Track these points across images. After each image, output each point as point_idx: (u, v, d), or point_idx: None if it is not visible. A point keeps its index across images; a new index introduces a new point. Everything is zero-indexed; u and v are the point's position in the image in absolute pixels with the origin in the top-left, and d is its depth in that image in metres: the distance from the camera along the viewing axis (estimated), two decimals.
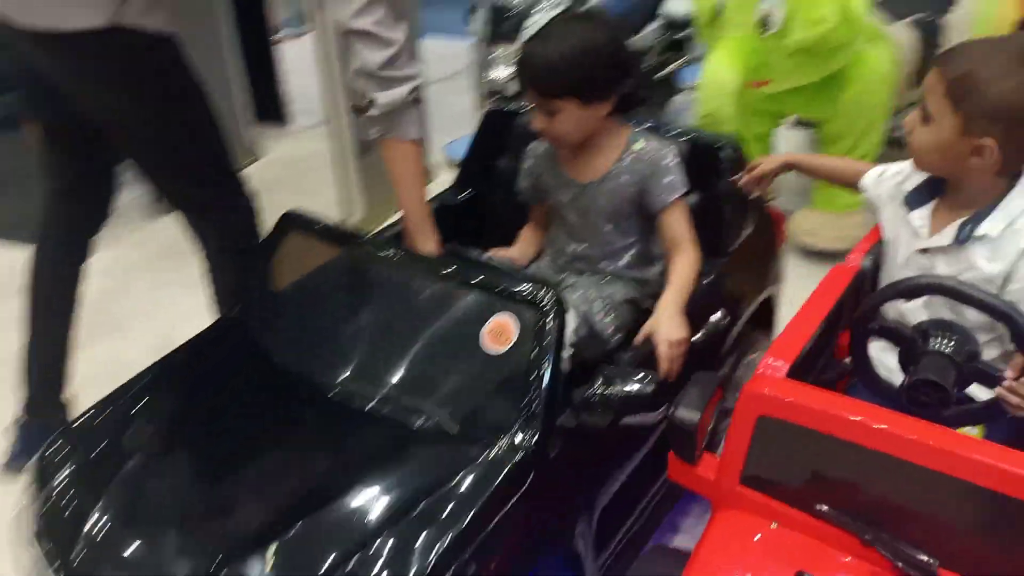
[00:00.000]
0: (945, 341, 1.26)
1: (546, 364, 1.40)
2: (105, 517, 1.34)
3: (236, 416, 1.54)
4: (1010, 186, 1.31)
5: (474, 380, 1.47)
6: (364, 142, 3.02)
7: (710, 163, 1.88)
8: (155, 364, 1.66)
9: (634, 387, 1.39)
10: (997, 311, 1.21)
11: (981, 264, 1.31)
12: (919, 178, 1.42)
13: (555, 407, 1.40)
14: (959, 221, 1.33)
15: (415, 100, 1.69)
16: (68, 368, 2.12)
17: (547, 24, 1.69)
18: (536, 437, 1.37)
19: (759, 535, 1.21)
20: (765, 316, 2.12)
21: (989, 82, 1.22)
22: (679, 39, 3.72)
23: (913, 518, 1.13)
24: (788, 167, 1.76)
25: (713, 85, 2.54)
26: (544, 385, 1.39)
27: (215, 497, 1.39)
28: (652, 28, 3.60)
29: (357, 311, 1.63)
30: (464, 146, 2.24)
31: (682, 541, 1.88)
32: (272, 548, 1.24)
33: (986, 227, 1.30)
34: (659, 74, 3.65)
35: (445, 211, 1.99)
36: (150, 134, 1.81)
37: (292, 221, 1.76)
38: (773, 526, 1.21)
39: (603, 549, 1.60)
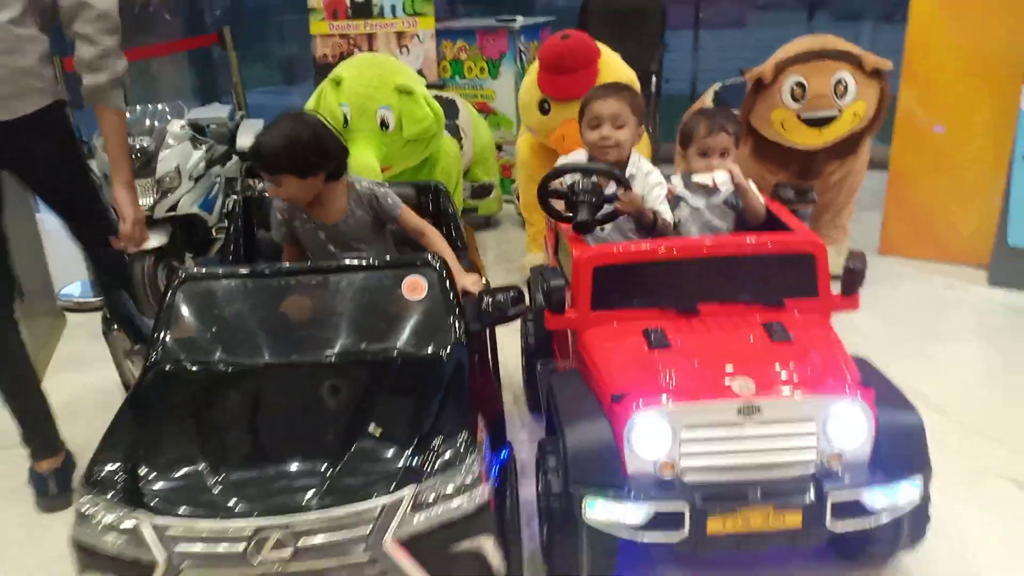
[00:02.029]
0: (583, 189, 2.30)
1: (453, 295, 2.16)
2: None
3: (235, 403, 1.93)
4: None
5: (408, 319, 2.13)
6: None
7: (433, 195, 2.83)
8: (127, 401, 1.91)
9: (508, 295, 2.24)
10: (601, 171, 2.33)
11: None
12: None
13: (466, 318, 2.16)
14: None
15: (117, 84, 2.35)
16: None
17: (273, 121, 2.39)
18: (466, 337, 2.11)
19: (612, 327, 2.15)
20: None
21: (636, 99, 2.44)
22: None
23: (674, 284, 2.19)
24: None
25: (364, 169, 3.45)
26: (459, 307, 2.15)
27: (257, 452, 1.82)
28: (233, 160, 4.33)
29: (272, 310, 2.14)
30: (79, 289, 2.85)
31: None
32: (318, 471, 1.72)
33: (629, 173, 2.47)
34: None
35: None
36: (79, 177, 2.51)
37: (189, 275, 2.15)
38: (615, 324, 2.17)
39: None
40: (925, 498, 1.99)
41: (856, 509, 1.87)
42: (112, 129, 2.42)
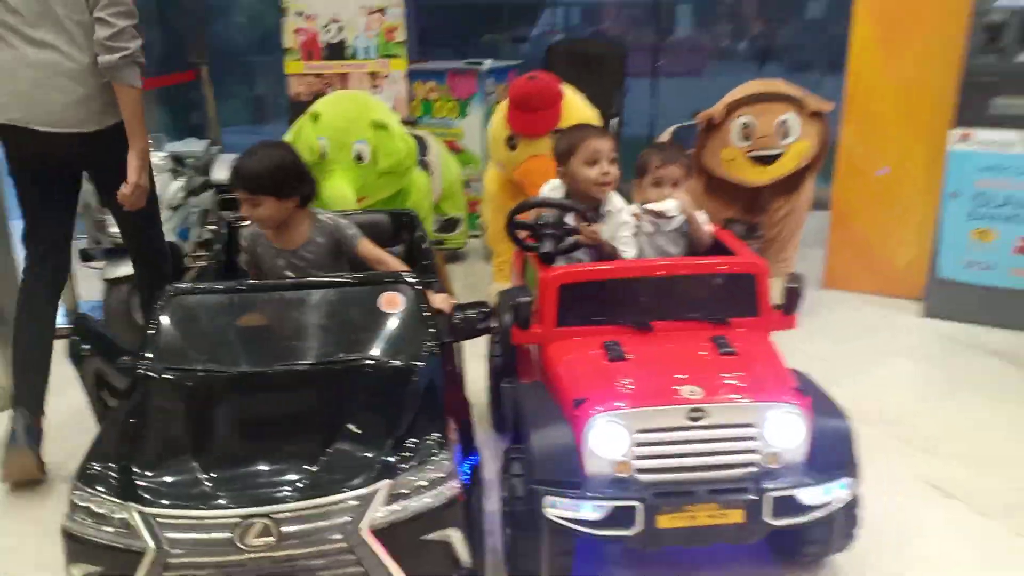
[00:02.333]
0: (546, 222, 2.50)
1: (426, 309, 2.33)
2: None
3: (221, 400, 2.08)
4: None
5: (384, 331, 2.29)
6: None
7: (407, 222, 3.01)
8: (119, 406, 2.04)
9: (478, 311, 2.41)
10: (557, 204, 2.56)
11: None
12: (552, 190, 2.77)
13: (438, 331, 2.33)
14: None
15: (129, 62, 2.72)
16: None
17: (252, 147, 2.59)
18: (436, 346, 2.28)
19: (574, 342, 2.33)
20: None
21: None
22: (232, 198, 4.69)
23: (630, 302, 2.39)
24: None
25: (340, 199, 3.62)
26: (431, 320, 2.32)
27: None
28: (207, 193, 4.48)
29: (269, 322, 2.29)
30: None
31: None
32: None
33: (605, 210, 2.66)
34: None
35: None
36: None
37: (176, 290, 2.29)
38: (577, 339, 2.35)
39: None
40: (855, 499, 2.19)
41: (792, 506, 2.06)
42: (128, 103, 2.77)
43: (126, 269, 3.72)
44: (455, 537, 1.91)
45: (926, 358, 3.73)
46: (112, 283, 3.72)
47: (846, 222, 4.40)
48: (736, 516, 2.05)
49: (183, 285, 2.33)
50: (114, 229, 3.72)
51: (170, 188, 3.90)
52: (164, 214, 3.85)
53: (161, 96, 6.30)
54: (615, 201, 2.68)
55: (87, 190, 3.77)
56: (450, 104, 5.40)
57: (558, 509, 2.04)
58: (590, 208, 2.59)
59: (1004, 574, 2.36)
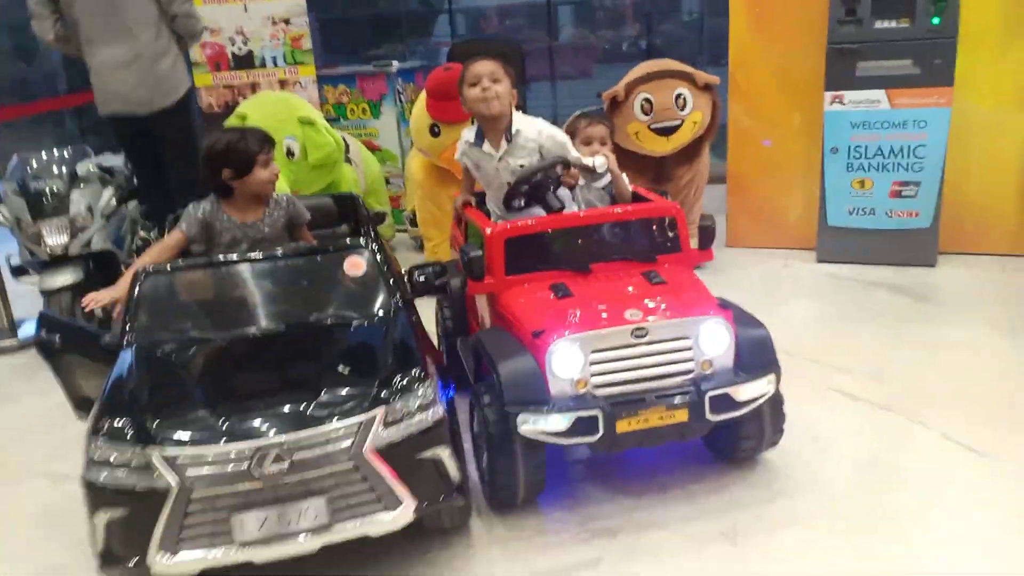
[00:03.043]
0: (539, 183, 2.77)
1: (388, 268, 2.56)
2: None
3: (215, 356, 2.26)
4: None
5: (352, 291, 2.50)
6: None
7: (350, 204, 3.23)
8: (113, 373, 2.19)
9: (433, 270, 2.65)
10: (545, 165, 2.79)
11: (527, 146, 2.87)
12: (470, 134, 2.98)
13: (402, 288, 2.56)
14: (502, 135, 2.88)
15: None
16: None
17: (227, 131, 2.83)
18: (400, 300, 2.51)
19: (524, 287, 2.60)
20: None
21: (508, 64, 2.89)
22: None
23: (569, 249, 2.68)
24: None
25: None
26: (394, 278, 2.54)
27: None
28: (132, 205, 4.53)
29: (239, 291, 2.46)
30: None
31: None
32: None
33: (515, 128, 2.87)
34: None
35: None
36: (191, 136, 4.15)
37: (148, 272, 2.44)
38: (525, 285, 2.62)
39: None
40: (779, 396, 2.54)
41: (728, 403, 2.38)
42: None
43: (64, 278, 3.77)
44: (444, 454, 2.14)
45: (824, 296, 4.18)
46: (52, 294, 3.75)
47: (741, 187, 4.84)
48: (682, 416, 2.36)
49: (161, 265, 2.47)
50: (50, 241, 3.78)
51: (103, 196, 3.96)
52: (98, 222, 3.92)
53: (72, 114, 6.25)
54: (524, 122, 2.90)
55: (19, 206, 3.83)
56: (363, 105, 5.60)
57: (530, 425, 2.30)
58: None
59: (905, 450, 2.77)
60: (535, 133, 2.87)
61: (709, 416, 2.37)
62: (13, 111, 6.23)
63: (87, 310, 2.54)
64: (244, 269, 2.48)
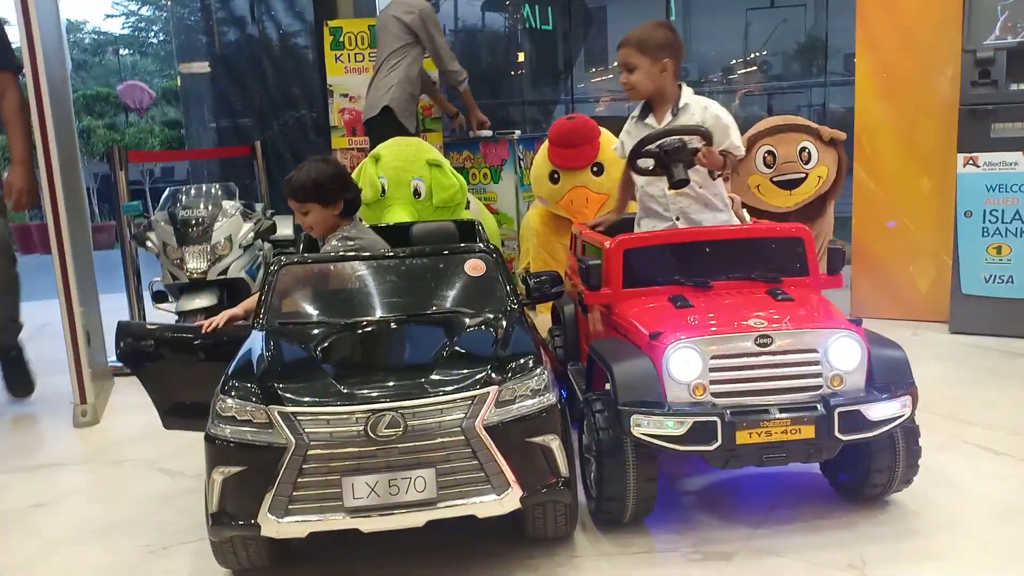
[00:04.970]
0: (672, 148, 2.65)
1: (505, 273, 2.59)
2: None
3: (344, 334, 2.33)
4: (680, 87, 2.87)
5: (472, 290, 2.54)
6: None
7: (469, 229, 3.32)
8: (245, 344, 2.28)
9: (549, 278, 2.67)
10: (679, 131, 2.68)
11: (690, 120, 2.78)
12: (637, 110, 2.95)
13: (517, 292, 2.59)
14: (668, 109, 2.84)
15: None
16: None
17: (303, 162, 2.93)
18: (517, 305, 2.53)
19: (641, 299, 2.56)
20: None
21: (651, 35, 2.78)
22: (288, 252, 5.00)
23: (689, 264, 2.63)
24: None
25: None
26: (509, 283, 2.57)
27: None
28: (266, 247, 4.79)
29: (366, 284, 2.54)
30: None
31: None
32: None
33: (683, 103, 2.82)
34: None
35: None
36: None
37: (288, 260, 2.56)
38: (643, 297, 2.59)
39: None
40: (915, 428, 2.37)
41: (859, 421, 2.24)
42: None
43: (200, 301, 3.99)
44: (554, 444, 2.09)
45: (958, 361, 3.92)
46: (186, 315, 3.97)
47: (866, 255, 4.68)
48: (808, 432, 2.22)
49: (293, 256, 2.60)
50: (191, 265, 4.03)
51: (242, 229, 4.22)
52: (235, 252, 4.16)
53: (222, 165, 6.78)
54: (687, 95, 2.82)
55: (167, 232, 4.12)
56: (484, 170, 5.80)
57: (644, 427, 2.22)
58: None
59: None
60: (701, 109, 2.80)
61: (838, 434, 2.22)
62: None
63: (204, 331, 2.61)
64: (371, 265, 2.57)
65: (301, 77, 7.97)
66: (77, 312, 3.47)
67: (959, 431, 3.04)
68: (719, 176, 2.81)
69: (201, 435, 2.08)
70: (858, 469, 2.45)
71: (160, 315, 4.33)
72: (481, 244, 2.71)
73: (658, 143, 2.67)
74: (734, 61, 10.52)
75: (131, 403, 3.89)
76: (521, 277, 2.82)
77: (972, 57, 4.12)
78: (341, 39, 5.96)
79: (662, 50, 2.76)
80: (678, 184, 2.66)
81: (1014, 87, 4.06)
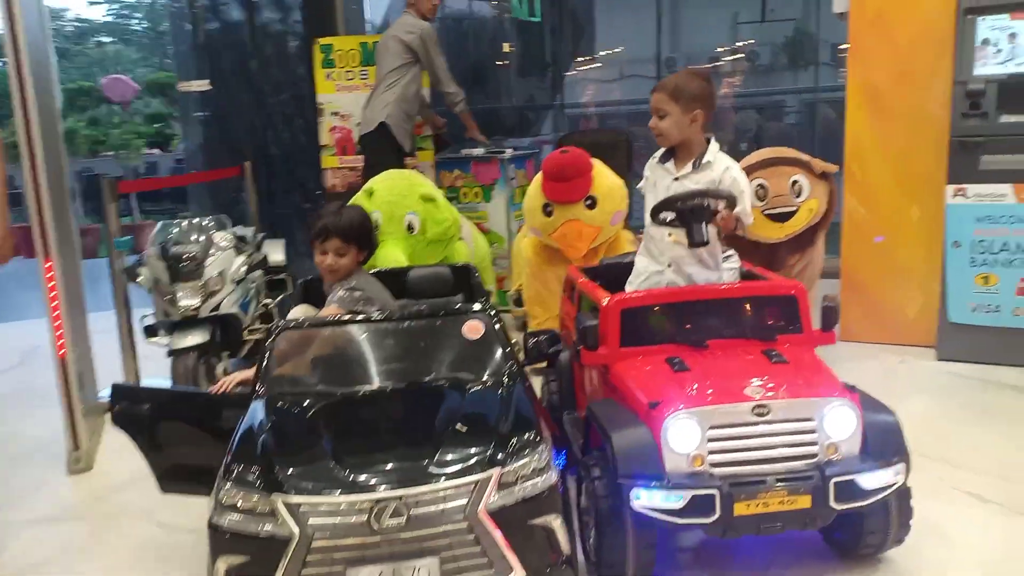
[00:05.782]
0: (690, 207, 2.68)
1: (505, 335, 2.60)
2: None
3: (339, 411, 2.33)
4: (708, 141, 2.90)
5: (471, 354, 2.55)
6: None
7: (464, 274, 3.33)
8: (245, 422, 2.27)
9: (548, 338, 2.68)
10: (702, 193, 2.71)
11: (708, 177, 2.82)
12: (660, 153, 2.96)
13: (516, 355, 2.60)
14: (691, 160, 2.86)
15: None
16: None
17: (330, 206, 2.99)
18: (516, 368, 2.54)
19: (638, 359, 2.58)
20: None
21: (685, 84, 2.81)
22: (279, 279, 4.99)
23: (685, 323, 2.66)
24: None
25: (393, 263, 3.90)
26: (508, 344, 2.58)
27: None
28: (257, 273, 4.77)
29: (364, 348, 2.54)
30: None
31: None
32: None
33: (707, 159, 2.83)
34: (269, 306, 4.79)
35: None
36: None
37: (287, 326, 2.56)
38: (640, 357, 2.60)
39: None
40: (907, 489, 2.41)
41: (854, 490, 2.27)
42: None
43: (193, 339, 3.97)
44: (556, 523, 2.12)
45: (945, 394, 3.97)
46: (178, 353, 3.95)
47: (856, 281, 4.73)
48: (804, 502, 2.26)
49: (290, 320, 2.59)
50: (183, 302, 4.01)
51: (235, 263, 4.20)
52: (228, 287, 4.14)
53: (209, 188, 6.73)
54: (719, 156, 2.84)
55: (158, 268, 4.10)
56: (475, 189, 5.79)
57: (643, 500, 2.25)
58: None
59: None
60: (721, 170, 2.82)
61: (833, 504, 2.26)
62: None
63: (216, 392, 2.62)
64: (369, 328, 2.57)
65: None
66: (70, 359, 3.47)
67: (948, 475, 3.09)
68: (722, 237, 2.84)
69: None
70: (852, 529, 2.49)
71: (151, 350, 4.30)
72: (479, 303, 2.71)
73: (679, 204, 2.70)
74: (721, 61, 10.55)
75: (123, 442, 3.88)
76: (520, 331, 2.83)
77: (963, 88, 4.16)
78: (331, 56, 5.92)
79: (695, 101, 2.78)
80: (697, 244, 2.69)
81: (1004, 119, 4.10)
